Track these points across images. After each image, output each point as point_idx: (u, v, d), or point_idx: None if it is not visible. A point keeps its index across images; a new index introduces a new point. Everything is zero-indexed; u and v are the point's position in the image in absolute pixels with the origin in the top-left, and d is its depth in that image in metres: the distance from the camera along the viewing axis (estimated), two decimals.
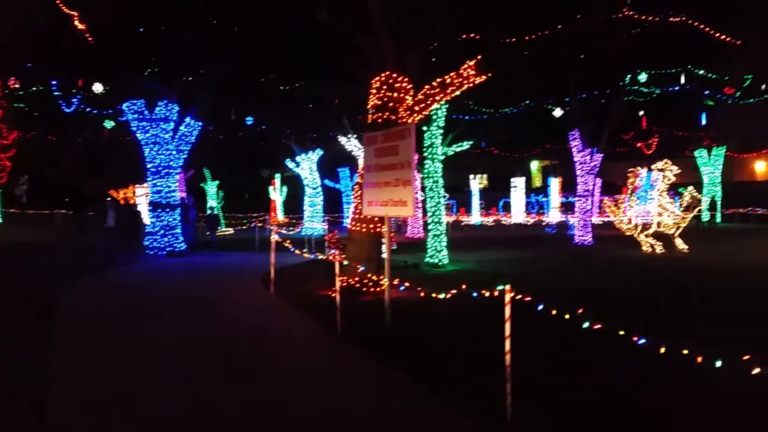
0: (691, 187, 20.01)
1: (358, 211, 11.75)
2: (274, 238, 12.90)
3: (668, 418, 5.16)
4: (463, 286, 6.76)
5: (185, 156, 20.11)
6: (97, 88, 31.98)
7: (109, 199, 29.59)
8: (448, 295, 7.25)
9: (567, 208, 33.58)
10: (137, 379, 6.47)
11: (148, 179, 19.69)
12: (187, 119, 19.73)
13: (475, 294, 6.47)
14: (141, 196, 26.34)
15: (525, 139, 41.84)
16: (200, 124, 20.07)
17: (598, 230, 25.09)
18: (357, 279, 11.29)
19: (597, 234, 23.24)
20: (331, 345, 8.16)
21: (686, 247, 18.40)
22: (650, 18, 20.78)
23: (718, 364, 4.09)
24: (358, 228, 11.84)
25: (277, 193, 35.73)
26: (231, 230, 30.33)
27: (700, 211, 29.71)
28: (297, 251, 12.17)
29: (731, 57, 21.73)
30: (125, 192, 29.14)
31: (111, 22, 21.42)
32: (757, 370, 3.97)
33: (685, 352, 4.39)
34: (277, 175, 36.05)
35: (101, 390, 6.08)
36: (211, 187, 34.58)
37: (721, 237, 24.15)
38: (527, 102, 28.53)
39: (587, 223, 22.72)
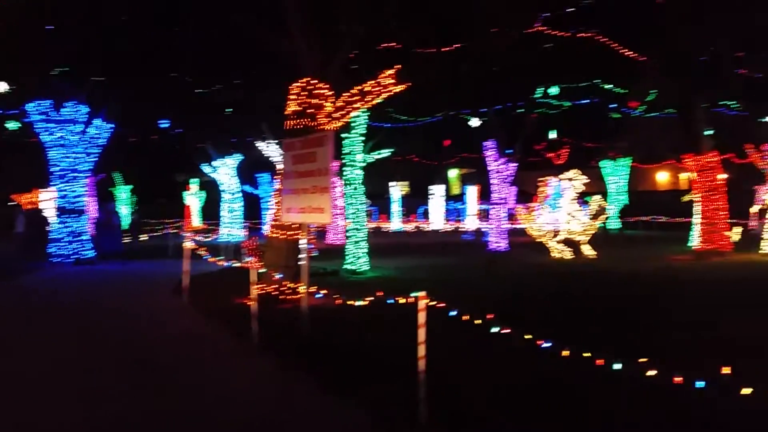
0: (598, 196, 21.02)
1: (276, 217, 11.62)
2: (188, 244, 12.54)
3: (570, 415, 5.39)
4: (380, 293, 6.82)
5: (94, 159, 19.25)
6: (2, 87, 30.06)
7: (14, 203, 27.87)
8: (365, 302, 7.29)
9: (483, 215, 34.47)
10: (33, 392, 6.12)
11: (54, 183, 18.71)
12: (97, 121, 18.90)
13: (390, 300, 6.53)
14: (46, 201, 24.96)
15: (444, 148, 42.75)
16: (111, 126, 19.28)
17: (513, 237, 25.91)
18: (275, 287, 11.15)
19: (512, 241, 23.98)
20: (246, 354, 8.02)
21: (594, 253, 19.28)
22: (561, 34, 21.71)
23: (617, 366, 4.32)
24: (276, 235, 11.70)
25: (193, 199, 34.73)
26: (146, 236, 29.23)
27: (606, 219, 31.19)
28: (211, 259, 11.89)
29: (637, 72, 22.97)
30: (29, 197, 27.52)
31: (18, 19, 20.22)
32: (652, 372, 4.21)
33: (587, 355, 4.61)
34: (194, 180, 35.07)
35: None
36: (122, 192, 33.24)
37: (626, 243, 25.46)
38: (446, 112, 29.14)
39: (502, 230, 23.40)
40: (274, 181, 14.36)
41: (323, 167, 8.67)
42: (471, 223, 36.41)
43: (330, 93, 11.88)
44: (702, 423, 5.06)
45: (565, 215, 19.91)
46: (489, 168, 23.62)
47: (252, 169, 32.93)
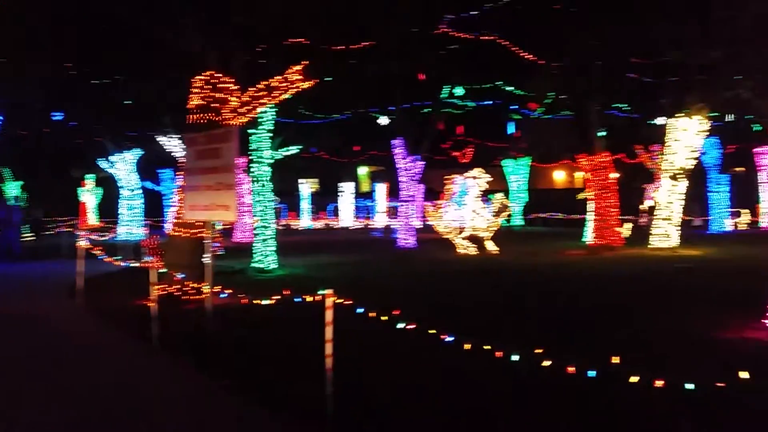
0: (500, 194, 21.74)
1: (179, 215, 11.23)
2: (83, 244, 11.90)
3: (472, 407, 5.56)
4: (287, 292, 6.74)
5: None
6: None
7: None
8: (272, 301, 7.19)
9: (393, 212, 34.91)
10: None
11: None
12: None
13: (298, 299, 6.48)
14: None
15: (353, 145, 42.82)
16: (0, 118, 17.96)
17: (421, 233, 26.40)
18: (177, 287, 10.77)
19: (420, 237, 24.40)
20: (145, 356, 7.71)
21: (497, 248, 19.95)
22: (464, 36, 22.29)
23: (515, 357, 4.50)
24: (179, 233, 11.32)
25: (88, 195, 32.92)
26: (33, 236, 27.46)
27: (509, 216, 32.39)
28: (107, 259, 11.34)
29: (536, 75, 23.93)
30: None
31: None
32: (547, 363, 4.41)
33: (487, 347, 4.76)
34: (91, 176, 33.26)
35: None
36: (12, 188, 31.06)
37: (527, 239, 26.55)
38: (355, 110, 29.21)
39: (410, 227, 23.76)
40: (177, 177, 13.87)
41: (228, 163, 8.46)
42: (380, 220, 36.80)
43: (235, 87, 11.62)
44: (594, 410, 5.34)
45: (470, 212, 20.47)
46: (398, 166, 23.92)
47: (154, 164, 31.65)
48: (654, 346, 7.65)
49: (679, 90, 19.40)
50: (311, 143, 35.78)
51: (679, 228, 20.56)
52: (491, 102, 30.13)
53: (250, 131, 16.77)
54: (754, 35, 14.66)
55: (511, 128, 36.04)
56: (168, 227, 12.37)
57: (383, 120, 25.99)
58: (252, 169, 17.13)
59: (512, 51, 22.76)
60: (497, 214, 20.80)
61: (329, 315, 5.42)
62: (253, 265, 16.40)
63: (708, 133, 21.26)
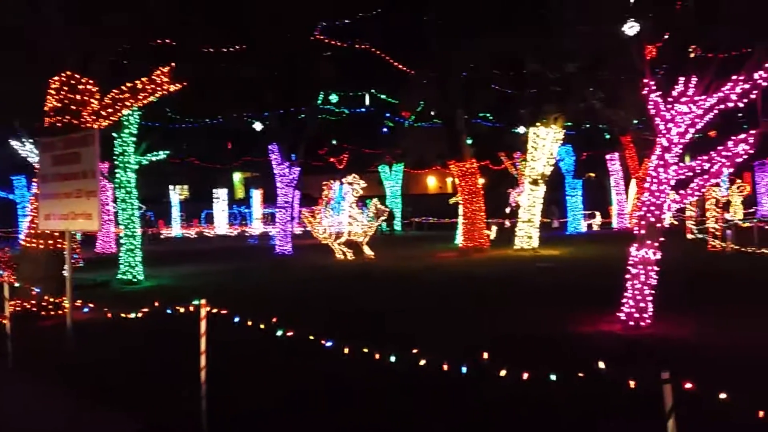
0: (375, 200, 22.11)
1: (34, 225, 10.39)
2: None
3: (351, 408, 5.61)
4: (156, 304, 6.45)
5: None
6: None
7: None
8: (140, 314, 6.84)
9: (269, 219, 34.41)
10: None
11: None
12: None
13: (169, 311, 6.21)
14: None
15: (227, 150, 41.74)
16: None
17: (298, 240, 26.22)
18: (34, 302, 9.95)
19: (297, 243, 24.23)
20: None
21: (372, 253, 20.25)
22: (339, 44, 22.54)
23: (393, 359, 4.60)
24: (34, 244, 10.46)
25: None
26: None
27: (386, 220, 33.01)
28: None
29: (407, 84, 24.63)
30: None
31: None
32: (423, 362, 4.55)
33: (365, 350, 4.84)
34: None
35: None
36: None
37: (402, 243, 27.17)
38: (228, 114, 28.50)
39: (287, 233, 23.54)
40: (32, 184, 12.81)
41: (89, 169, 7.95)
42: (256, 227, 36.11)
43: (96, 89, 10.95)
44: (466, 403, 5.58)
45: (346, 218, 20.65)
46: (274, 171, 23.62)
47: (6, 171, 28.99)
48: (519, 341, 8.11)
49: (537, 101, 20.74)
50: (181, 148, 34.48)
51: (540, 230, 21.95)
52: (365, 109, 30.64)
53: (114, 134, 15.87)
54: (604, 51, 16.01)
55: (386, 136, 36.80)
56: (22, 238, 11.32)
57: (258, 125, 25.53)
58: (116, 175, 16.19)
59: (385, 60, 23.32)
60: (374, 219, 21.13)
61: (203, 326, 5.25)
62: (118, 276, 15.52)
63: (564, 141, 22.93)
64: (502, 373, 4.04)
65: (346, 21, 23.53)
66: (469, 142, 23.63)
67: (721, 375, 6.29)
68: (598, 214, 31.57)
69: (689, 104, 8.69)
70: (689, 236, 22.25)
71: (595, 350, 7.47)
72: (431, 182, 54.71)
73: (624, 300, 8.96)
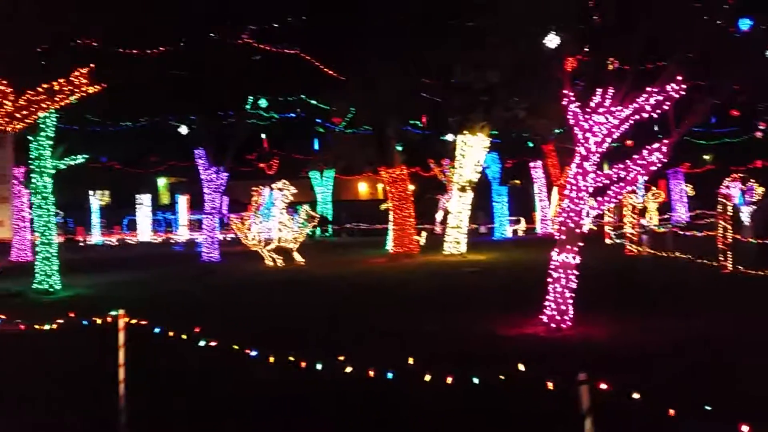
0: (306, 206, 21.98)
1: None
2: None
3: (278, 421, 5.54)
4: (72, 314, 6.17)
5: None
6: None
7: None
8: (55, 326, 6.51)
9: (196, 225, 33.55)
10: None
11: None
12: None
13: (85, 322, 5.95)
14: None
15: (151, 155, 40.44)
16: None
17: (226, 247, 25.69)
18: None
19: (225, 251, 23.75)
20: None
21: (302, 260, 20.11)
22: (267, 47, 22.28)
23: (319, 366, 4.58)
24: None
25: None
26: None
27: (317, 226, 32.84)
28: None
29: (338, 90, 24.61)
30: None
31: None
32: (349, 369, 4.55)
33: (292, 358, 4.79)
34: None
35: None
36: None
37: (332, 249, 27.07)
38: (152, 117, 27.65)
39: (214, 240, 23.04)
40: None
41: (1, 173, 7.53)
42: (182, 233, 35.14)
43: (9, 90, 10.40)
44: (392, 408, 5.60)
45: (276, 224, 20.42)
46: (200, 177, 23.09)
47: None
48: (446, 345, 8.24)
49: (464, 109, 21.17)
50: (102, 152, 33.19)
51: (468, 235, 22.38)
52: (294, 114, 30.41)
53: (29, 137, 15.09)
54: (527, 62, 16.52)
55: (316, 141, 36.58)
56: None
57: (183, 129, 24.88)
58: (32, 180, 15.38)
59: (315, 65, 23.22)
60: (305, 225, 20.98)
61: (122, 337, 5.06)
62: (34, 286, 14.75)
63: (490, 149, 23.48)
64: (427, 378, 4.09)
65: (275, 25, 23.34)
66: (399, 148, 23.84)
67: (635, 374, 6.60)
68: (522, 219, 32.48)
69: (606, 115, 9.09)
70: (608, 241, 23.25)
71: (518, 352, 7.68)
72: (362, 188, 54.85)
73: (546, 303, 9.25)
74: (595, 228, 27.90)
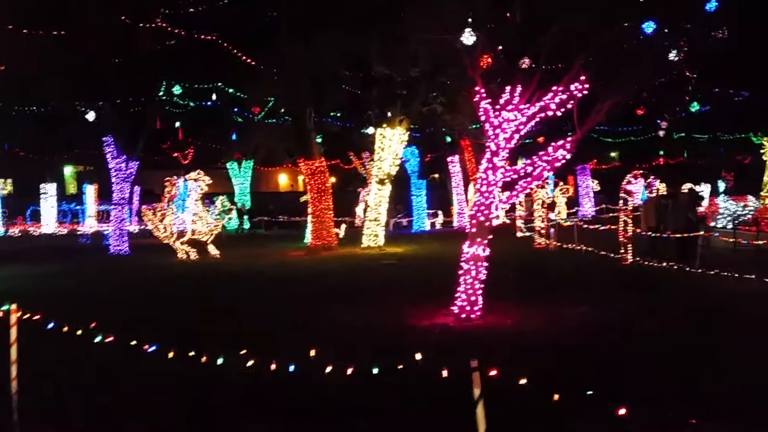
0: (222, 197, 21.51)
1: None
2: None
3: (179, 416, 5.42)
4: None
5: None
6: None
7: None
8: None
9: (104, 216, 32.17)
10: None
11: None
12: None
13: None
14: None
15: (56, 142, 38.38)
16: None
17: (138, 239, 24.80)
18: None
19: (135, 243, 22.91)
20: None
21: (218, 252, 19.69)
22: (182, 32, 21.58)
23: (220, 361, 4.52)
24: None
25: None
26: None
27: (247, 217, 32.22)
28: None
29: (256, 79, 24.16)
30: None
31: None
32: (250, 363, 4.52)
33: (192, 354, 4.70)
34: None
35: None
36: None
37: (251, 242, 26.64)
38: (57, 103, 26.22)
39: (123, 232, 22.19)
40: None
41: None
42: (90, 225, 33.61)
43: None
44: (292, 399, 5.60)
45: (190, 215, 19.89)
46: (109, 166, 22.14)
47: None
48: (357, 337, 8.32)
49: (384, 102, 21.32)
50: (3, 138, 31.26)
51: (386, 228, 22.59)
52: (211, 103, 29.66)
53: None
54: (443, 58, 16.81)
55: (234, 131, 35.83)
56: None
57: (91, 115, 23.76)
58: None
59: (233, 53, 22.72)
60: (220, 216, 20.55)
61: (14, 333, 4.81)
62: None
63: (409, 143, 23.76)
64: (329, 369, 4.12)
65: (191, 10, 22.66)
66: (319, 140, 23.71)
67: (536, 360, 6.91)
68: (440, 213, 33.08)
69: (514, 112, 9.41)
70: (519, 234, 24.07)
71: (427, 342, 7.87)
72: (283, 180, 54.25)
73: (457, 294, 9.50)
74: (508, 221, 28.88)
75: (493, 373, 3.36)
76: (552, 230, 20.67)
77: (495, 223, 30.44)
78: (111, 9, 17.89)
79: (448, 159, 33.14)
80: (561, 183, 34.06)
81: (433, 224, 32.40)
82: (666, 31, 13.84)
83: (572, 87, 9.05)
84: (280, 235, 29.03)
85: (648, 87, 16.60)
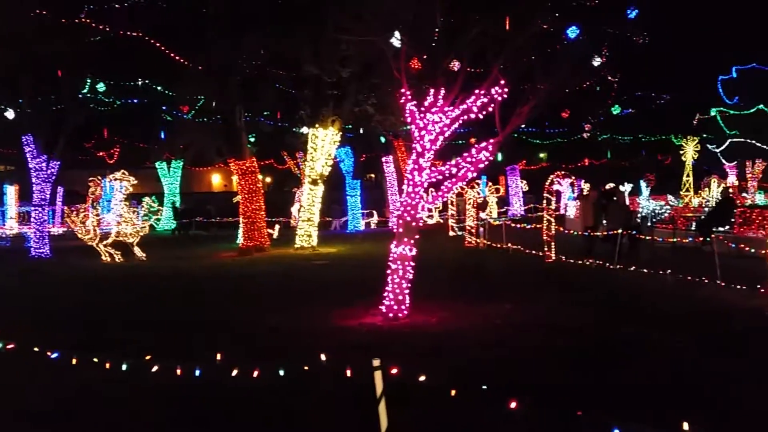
0: (149, 197, 20.92)
1: None
2: None
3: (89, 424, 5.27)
4: None
5: None
6: None
7: None
8: None
9: (25, 218, 30.73)
10: None
11: None
12: None
13: None
14: None
15: None
16: None
17: (61, 241, 23.82)
18: None
19: (59, 246, 22.01)
20: None
21: (144, 254, 19.14)
22: (107, 28, 20.84)
23: (124, 367, 4.41)
24: None
25: None
26: None
27: (159, 219, 31.27)
28: None
29: (186, 78, 23.61)
30: None
31: None
32: (155, 368, 4.44)
33: (96, 360, 4.58)
34: None
35: None
36: None
37: (182, 243, 26.01)
38: None
39: (44, 234, 21.28)
40: None
41: None
42: (10, 227, 32.05)
43: None
44: (199, 405, 5.53)
45: (115, 216, 19.27)
46: (29, 166, 21.17)
47: None
48: (283, 338, 8.29)
49: (316, 102, 21.23)
50: None
51: (320, 228, 22.49)
52: (138, 101, 28.79)
53: None
54: (373, 59, 16.91)
55: (163, 129, 34.82)
56: None
57: (10, 113, 22.65)
58: None
59: (161, 50, 22.11)
60: (147, 217, 19.99)
61: None
62: None
63: (341, 143, 23.72)
64: (234, 372, 4.09)
65: (116, 6, 21.92)
66: (252, 139, 23.39)
67: (454, 358, 7.06)
68: (375, 213, 33.23)
69: (439, 114, 9.57)
70: (451, 233, 24.46)
71: (353, 342, 7.93)
72: (216, 180, 53.23)
73: (385, 294, 9.59)
74: (442, 221, 29.29)
75: (394, 371, 3.43)
76: (482, 229, 21.11)
77: (429, 222, 30.92)
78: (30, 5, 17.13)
79: (383, 159, 33.32)
80: (490, 183, 34.80)
81: (368, 224, 32.50)
82: (586, 37, 14.40)
83: (493, 91, 9.28)
84: (214, 237, 28.46)
85: (566, 91, 17.16)
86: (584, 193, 25.70)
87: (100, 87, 24.31)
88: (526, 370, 6.60)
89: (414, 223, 9.74)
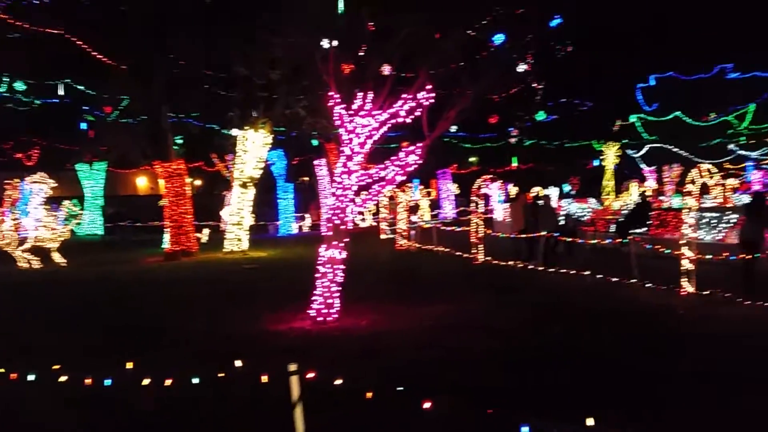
0: (68, 201, 20.05)
1: None
2: None
3: None
4: None
5: None
6: None
7: None
8: None
9: None
10: None
11: None
12: None
13: None
14: None
15: None
16: None
17: None
18: None
19: None
20: None
21: (64, 260, 18.35)
22: (25, 25, 19.84)
23: (31, 377, 4.21)
24: None
25: None
26: None
27: (78, 224, 29.98)
28: None
29: (109, 77, 22.77)
30: None
31: None
32: (64, 378, 4.26)
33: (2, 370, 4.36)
34: None
35: None
36: None
37: (105, 248, 25.09)
38: None
39: None
40: None
41: None
42: None
43: None
44: (115, 415, 5.33)
45: (32, 221, 18.39)
46: None
47: None
48: (208, 344, 8.11)
49: (245, 104, 20.91)
50: None
51: (250, 232, 22.13)
52: (58, 100, 27.60)
53: None
54: (303, 62, 16.80)
55: (85, 130, 33.42)
56: None
57: None
58: None
59: (83, 48, 21.25)
60: (67, 222, 19.16)
61: None
62: None
63: (273, 146, 23.46)
64: (146, 382, 3.98)
65: (35, 2, 20.92)
66: (180, 141, 22.79)
67: (379, 360, 7.10)
68: (308, 216, 32.99)
69: (368, 117, 9.61)
70: (383, 236, 24.60)
71: (280, 347, 7.84)
72: (142, 183, 51.51)
73: (314, 297, 9.54)
74: (375, 224, 29.39)
75: (310, 375, 3.42)
76: (413, 232, 21.31)
77: (362, 225, 30.92)
78: None
79: (315, 162, 33.13)
80: (422, 186, 35.22)
81: (300, 227, 32.25)
82: (512, 45, 14.82)
83: (419, 95, 9.41)
84: (141, 241, 27.55)
85: (494, 96, 17.64)
86: (512, 197, 26.37)
87: (19, 86, 23.14)
88: (456, 370, 6.70)
89: (343, 226, 9.74)
